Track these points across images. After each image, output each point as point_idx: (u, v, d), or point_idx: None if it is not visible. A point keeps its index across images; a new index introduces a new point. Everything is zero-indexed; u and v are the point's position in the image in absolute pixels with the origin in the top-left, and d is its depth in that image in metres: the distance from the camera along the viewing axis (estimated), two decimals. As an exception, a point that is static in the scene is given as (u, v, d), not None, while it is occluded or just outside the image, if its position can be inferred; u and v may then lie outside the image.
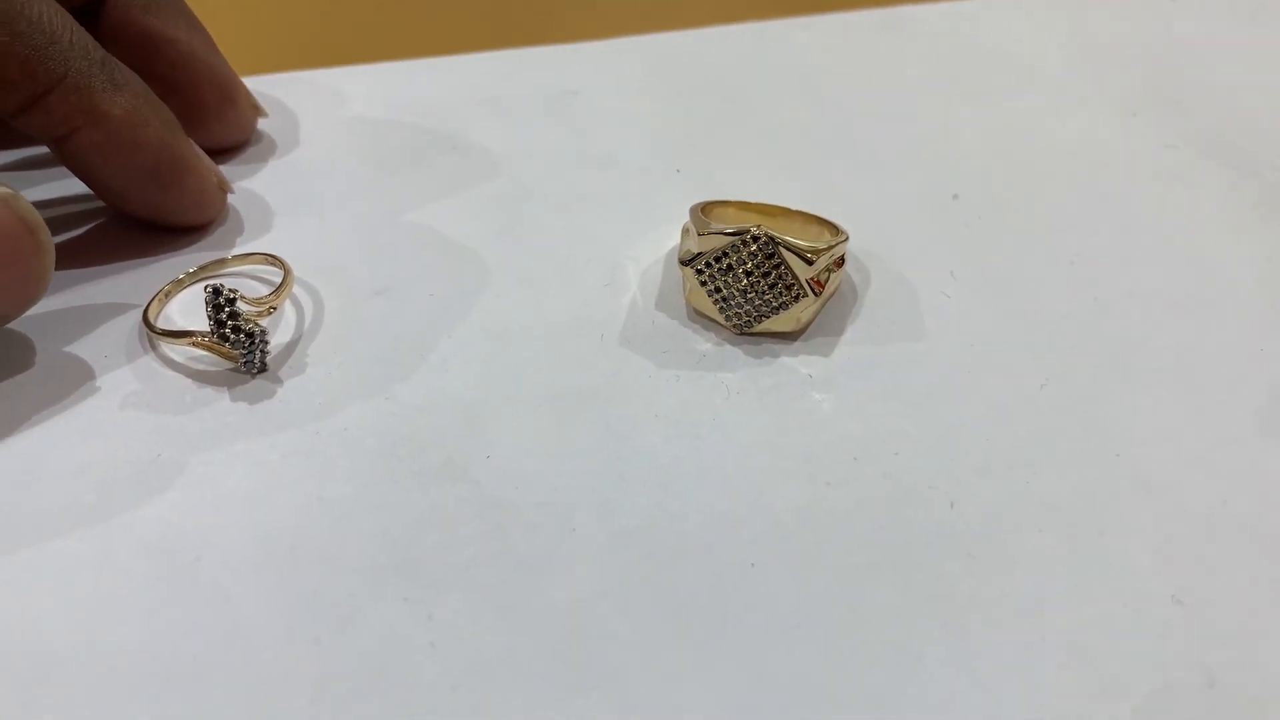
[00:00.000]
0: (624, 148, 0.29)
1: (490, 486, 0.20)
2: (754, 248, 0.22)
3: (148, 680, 0.17)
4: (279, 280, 0.23)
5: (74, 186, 0.26)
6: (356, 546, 0.19)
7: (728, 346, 0.23)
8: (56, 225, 0.26)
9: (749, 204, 0.25)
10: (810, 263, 0.22)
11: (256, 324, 0.21)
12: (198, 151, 0.25)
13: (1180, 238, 0.26)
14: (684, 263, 0.23)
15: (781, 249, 0.22)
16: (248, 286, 0.24)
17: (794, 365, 0.22)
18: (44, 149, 0.28)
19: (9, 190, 0.20)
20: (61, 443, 0.21)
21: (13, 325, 0.23)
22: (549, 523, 0.19)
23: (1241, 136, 0.29)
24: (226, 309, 0.21)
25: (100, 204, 0.26)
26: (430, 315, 0.24)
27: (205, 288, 0.21)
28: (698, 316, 0.24)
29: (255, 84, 0.30)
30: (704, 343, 0.23)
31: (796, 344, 0.23)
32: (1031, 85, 0.32)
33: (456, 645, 0.17)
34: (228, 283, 0.22)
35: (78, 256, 0.25)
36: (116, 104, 0.23)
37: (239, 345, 0.21)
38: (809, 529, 0.19)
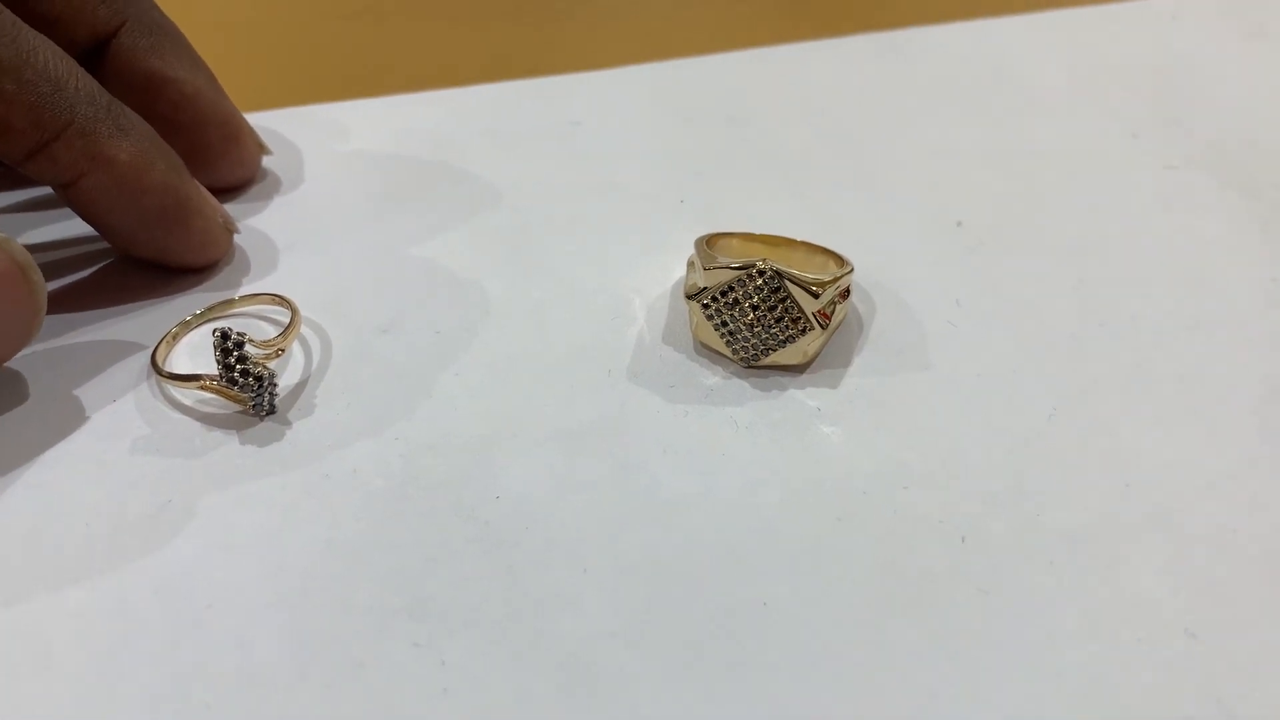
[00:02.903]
0: (628, 178, 0.30)
1: (500, 526, 0.20)
2: (760, 281, 0.22)
3: (161, 731, 0.17)
4: (286, 320, 0.24)
5: (79, 228, 0.27)
6: (367, 589, 0.19)
7: (735, 380, 0.23)
8: (62, 268, 0.26)
9: (753, 235, 0.25)
10: (816, 296, 0.22)
11: (265, 367, 0.21)
12: (203, 193, 0.25)
13: (1184, 260, 0.26)
14: (690, 297, 0.23)
15: (788, 283, 0.22)
16: (255, 328, 0.24)
17: (802, 398, 0.22)
18: (49, 190, 0.28)
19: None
20: (73, 487, 0.21)
21: (21, 370, 0.23)
22: (560, 562, 0.19)
23: (1243, 156, 0.30)
24: (235, 353, 0.21)
25: (106, 245, 0.26)
26: (437, 352, 0.24)
27: (213, 331, 0.21)
28: (704, 350, 0.24)
29: (257, 120, 0.30)
30: (711, 376, 0.23)
31: (804, 376, 0.23)
32: (1033, 108, 0.32)
33: (469, 690, 0.17)
34: (235, 325, 0.22)
35: (84, 299, 0.25)
36: (122, 149, 0.23)
37: (248, 389, 0.21)
38: (820, 565, 0.19)
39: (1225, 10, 0.36)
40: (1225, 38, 0.35)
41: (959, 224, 0.27)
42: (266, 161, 0.30)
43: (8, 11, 0.22)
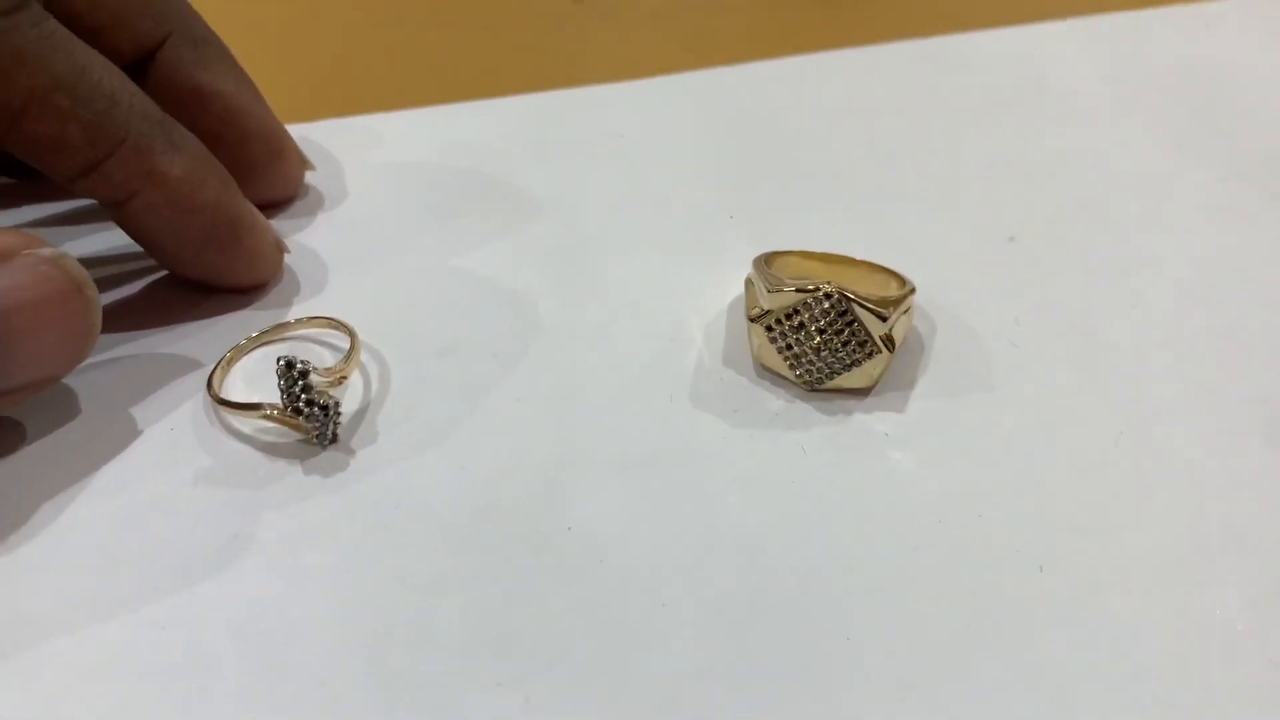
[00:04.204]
0: (675, 190, 0.29)
1: (574, 558, 0.20)
2: (826, 305, 0.22)
3: (247, 775, 0.17)
4: (342, 344, 0.23)
5: (124, 242, 0.26)
6: (444, 625, 0.19)
7: (799, 404, 0.23)
8: (110, 285, 0.26)
9: (810, 253, 0.25)
10: (884, 319, 0.22)
11: (330, 395, 0.21)
12: (254, 211, 0.25)
13: (1241, 274, 0.26)
14: (753, 320, 0.23)
15: (855, 305, 0.22)
16: (312, 352, 0.24)
17: (869, 423, 0.22)
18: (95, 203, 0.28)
19: (56, 250, 0.20)
20: (137, 522, 0.20)
21: (78, 397, 0.23)
22: (637, 595, 0.19)
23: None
24: (300, 382, 0.20)
25: (152, 263, 0.26)
26: (496, 376, 0.23)
27: (278, 360, 0.21)
28: (765, 373, 0.23)
29: (297, 131, 0.29)
30: (775, 400, 0.23)
31: (869, 400, 0.23)
32: (1076, 117, 0.32)
33: (556, 730, 0.17)
34: (292, 350, 0.21)
35: (134, 319, 0.25)
36: (175, 165, 0.23)
37: (313, 419, 0.21)
38: (901, 596, 0.19)
39: (1267, 16, 0.36)
40: (1269, 45, 0.35)
41: (1011, 239, 0.27)
42: (309, 176, 0.29)
43: (61, 25, 0.22)
